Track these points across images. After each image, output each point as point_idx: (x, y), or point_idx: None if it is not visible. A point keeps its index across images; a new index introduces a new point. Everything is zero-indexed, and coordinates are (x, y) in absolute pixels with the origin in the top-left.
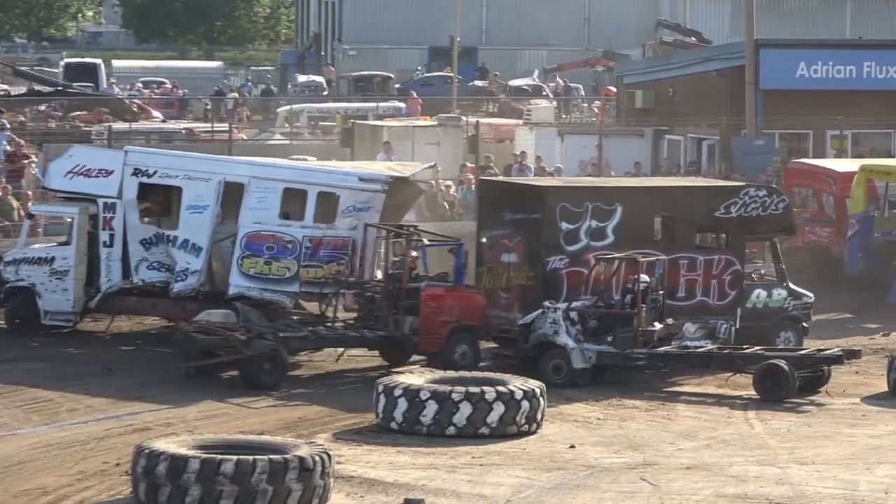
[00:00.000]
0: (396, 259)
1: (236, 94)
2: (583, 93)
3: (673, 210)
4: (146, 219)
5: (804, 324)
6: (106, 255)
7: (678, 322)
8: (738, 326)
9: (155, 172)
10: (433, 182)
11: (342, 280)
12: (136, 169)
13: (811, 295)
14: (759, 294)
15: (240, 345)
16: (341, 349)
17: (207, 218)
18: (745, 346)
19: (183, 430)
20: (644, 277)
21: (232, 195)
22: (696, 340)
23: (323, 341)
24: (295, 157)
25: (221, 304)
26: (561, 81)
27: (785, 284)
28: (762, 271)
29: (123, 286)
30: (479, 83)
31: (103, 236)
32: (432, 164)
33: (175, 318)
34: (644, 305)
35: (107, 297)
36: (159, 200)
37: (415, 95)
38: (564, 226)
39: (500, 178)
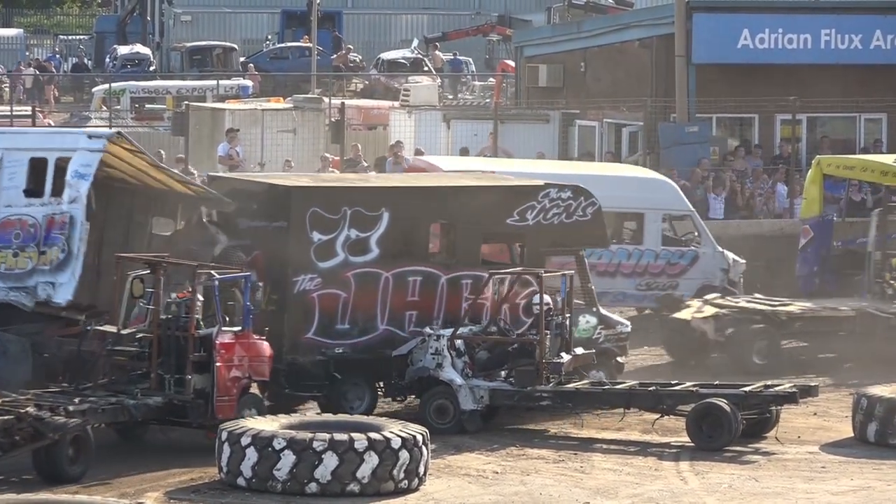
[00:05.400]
0: (174, 300)
1: (38, 70)
2: (473, 68)
3: (453, 216)
4: None
5: (619, 358)
6: None
7: (590, 352)
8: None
9: None
10: None
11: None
12: None
13: (627, 322)
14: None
15: (41, 426)
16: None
17: None
18: (674, 382)
19: None
20: (546, 298)
21: None
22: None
23: (104, 415)
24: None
25: None
26: (441, 55)
27: (594, 310)
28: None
29: None
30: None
31: None
32: None
33: None
34: (548, 332)
35: None
36: None
37: (254, 71)
38: (316, 236)
39: (235, 175)
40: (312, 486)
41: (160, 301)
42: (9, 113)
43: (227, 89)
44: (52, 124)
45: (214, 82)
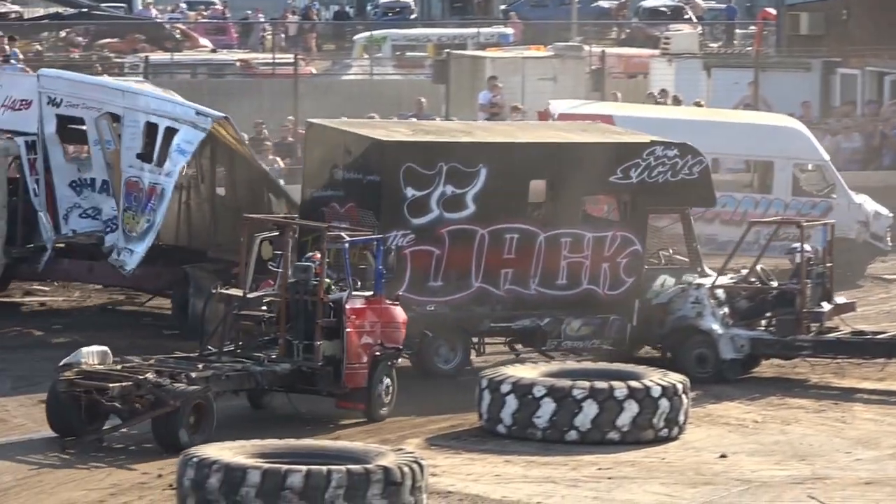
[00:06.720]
0: (302, 263)
1: (302, 18)
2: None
3: (554, 173)
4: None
5: None
6: (39, 205)
7: (850, 303)
8: (635, 323)
9: (62, 101)
10: None
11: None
12: (49, 97)
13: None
14: (665, 282)
15: (161, 393)
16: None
17: (117, 155)
18: None
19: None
20: (807, 247)
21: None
22: (581, 341)
23: (229, 382)
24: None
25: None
26: (702, 3)
27: (699, 269)
28: (670, 251)
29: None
30: (604, 4)
31: (31, 183)
32: None
33: (117, 286)
34: (809, 281)
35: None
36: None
37: (515, 18)
38: (410, 192)
39: (333, 122)
40: (572, 434)
41: (288, 264)
42: (271, 61)
43: (487, 37)
44: (314, 72)
45: (475, 30)
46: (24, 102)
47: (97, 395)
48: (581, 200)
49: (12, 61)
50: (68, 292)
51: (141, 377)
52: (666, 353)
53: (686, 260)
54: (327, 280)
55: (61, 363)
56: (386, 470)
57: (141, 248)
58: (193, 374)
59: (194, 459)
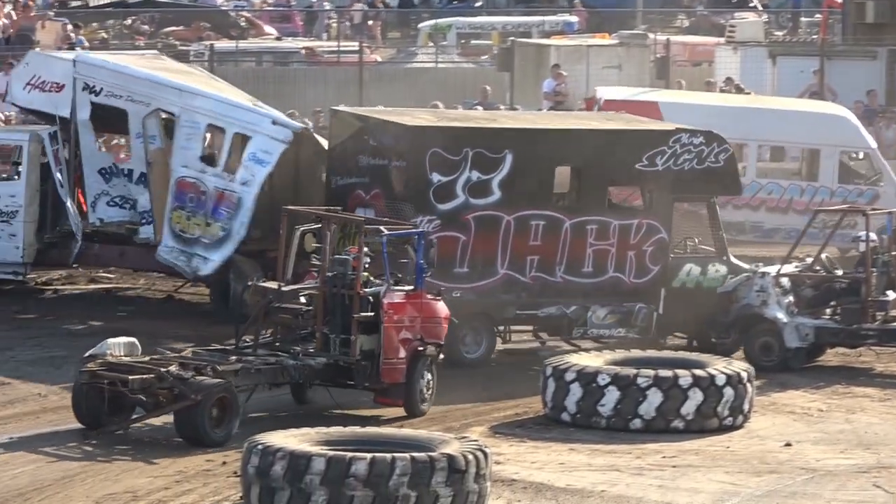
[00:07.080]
0: (340, 256)
1: (366, 5)
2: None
3: (580, 160)
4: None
5: None
6: (65, 195)
7: None
8: (661, 311)
9: (102, 90)
10: None
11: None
12: (85, 84)
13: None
14: (691, 270)
15: (183, 386)
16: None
17: (162, 153)
18: None
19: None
20: (872, 236)
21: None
22: (607, 329)
23: (260, 376)
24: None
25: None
26: None
27: (725, 258)
28: (696, 240)
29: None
30: None
31: (57, 173)
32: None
33: (148, 270)
34: (874, 270)
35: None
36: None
37: (580, 6)
38: (436, 177)
39: (358, 110)
40: (636, 422)
41: (327, 256)
42: (336, 48)
43: (552, 25)
44: (379, 60)
45: (540, 18)
46: (55, 85)
47: (121, 386)
48: (607, 188)
49: (78, 49)
50: (133, 280)
51: (163, 370)
52: (692, 341)
53: (712, 250)
54: (365, 274)
55: (86, 354)
56: (450, 457)
57: (218, 257)
58: (220, 367)
59: (259, 447)
